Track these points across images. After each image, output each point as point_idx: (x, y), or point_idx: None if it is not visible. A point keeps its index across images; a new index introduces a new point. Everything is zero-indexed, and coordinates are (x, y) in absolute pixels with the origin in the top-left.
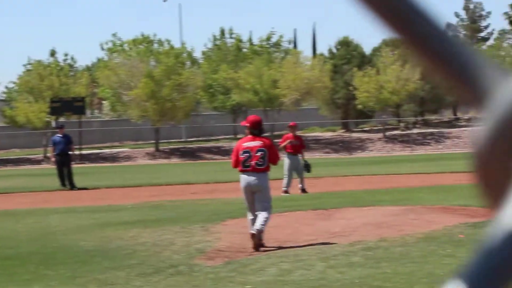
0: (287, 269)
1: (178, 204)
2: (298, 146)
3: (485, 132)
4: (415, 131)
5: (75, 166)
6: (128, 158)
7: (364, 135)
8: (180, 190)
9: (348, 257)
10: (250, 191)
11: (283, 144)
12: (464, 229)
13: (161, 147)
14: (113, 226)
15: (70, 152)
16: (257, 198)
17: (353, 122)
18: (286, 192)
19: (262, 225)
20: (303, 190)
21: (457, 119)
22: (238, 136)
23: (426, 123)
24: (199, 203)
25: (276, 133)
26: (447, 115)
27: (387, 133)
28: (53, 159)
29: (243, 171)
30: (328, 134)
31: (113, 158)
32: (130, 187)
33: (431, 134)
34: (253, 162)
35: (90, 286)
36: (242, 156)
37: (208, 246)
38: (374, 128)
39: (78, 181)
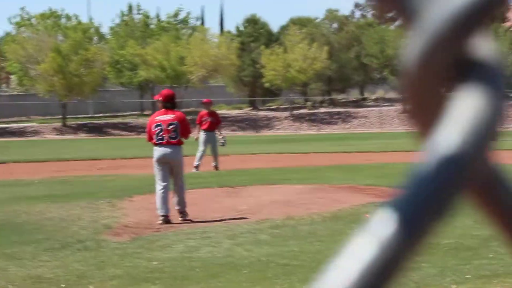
0: (194, 246)
1: (85, 179)
2: (214, 123)
3: (414, 52)
4: (322, 110)
5: None
6: (35, 133)
7: (271, 114)
8: (87, 165)
9: (255, 235)
10: (164, 162)
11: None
12: (371, 209)
13: (68, 123)
14: (21, 201)
15: None
16: (174, 173)
17: (260, 100)
18: (196, 168)
19: (183, 204)
20: (216, 168)
21: (364, 99)
22: (145, 113)
23: (333, 103)
24: (106, 178)
25: (183, 109)
26: (354, 95)
27: (294, 112)
28: None
29: (157, 144)
30: (235, 112)
31: (20, 132)
32: (37, 162)
33: (338, 113)
34: (166, 135)
35: None
36: (154, 130)
37: (115, 222)
38: (281, 106)
39: None
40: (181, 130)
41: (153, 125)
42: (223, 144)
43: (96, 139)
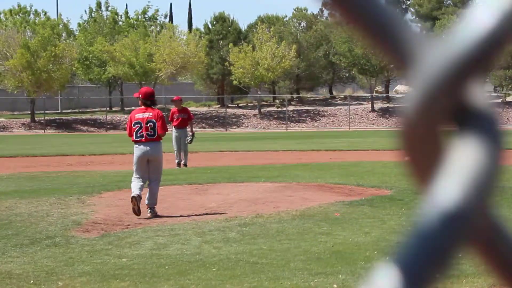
0: (163, 243)
1: (53, 175)
2: (186, 119)
3: (412, 100)
4: (290, 108)
5: None
6: (3, 128)
7: (239, 111)
8: (56, 161)
9: (224, 233)
10: (145, 160)
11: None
12: (340, 207)
13: (37, 118)
14: None
15: None
16: (150, 170)
17: (229, 98)
18: (178, 165)
19: (154, 200)
20: (185, 165)
21: (333, 97)
22: (114, 109)
23: (302, 101)
24: (74, 175)
25: None
26: (322, 93)
27: (263, 110)
28: None
29: (136, 142)
30: (203, 109)
31: None
32: (5, 157)
33: (307, 111)
34: (144, 133)
35: None
36: (134, 127)
37: (84, 218)
38: (250, 104)
39: None
40: (159, 127)
41: (133, 122)
42: (189, 141)
43: (64, 135)
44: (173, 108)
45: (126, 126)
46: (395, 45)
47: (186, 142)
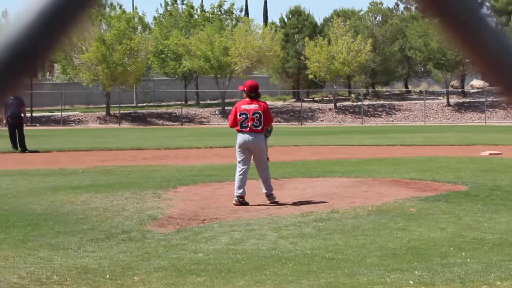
0: (239, 238)
1: (129, 169)
2: None
3: None
4: (366, 102)
5: (26, 128)
6: (79, 121)
7: (315, 105)
8: (131, 155)
9: (300, 228)
10: (246, 148)
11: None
12: (416, 203)
13: (112, 112)
14: (64, 190)
15: (22, 115)
16: (255, 159)
17: (304, 92)
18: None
19: (269, 189)
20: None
21: (408, 92)
22: (189, 103)
23: (377, 95)
24: (150, 169)
25: (227, 100)
26: (398, 87)
27: (338, 104)
28: (4, 121)
29: (240, 131)
30: (278, 103)
31: (64, 121)
32: (80, 151)
33: (382, 106)
34: (249, 123)
35: (42, 250)
36: (239, 118)
37: (160, 212)
38: (325, 98)
39: (29, 144)
40: (265, 119)
41: (239, 113)
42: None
43: (139, 129)
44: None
45: (229, 117)
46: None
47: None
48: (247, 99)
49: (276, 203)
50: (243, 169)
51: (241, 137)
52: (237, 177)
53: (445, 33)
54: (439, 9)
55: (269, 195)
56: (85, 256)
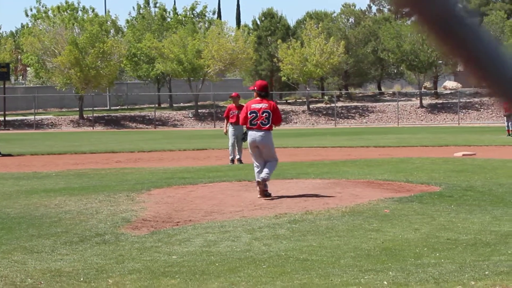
0: (213, 240)
1: (102, 172)
2: None
3: None
4: (339, 104)
5: None
6: (52, 125)
7: (288, 107)
8: (105, 158)
9: (274, 229)
10: (255, 146)
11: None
12: (389, 204)
13: (85, 115)
14: (38, 194)
15: None
16: (264, 155)
17: (277, 94)
18: (232, 161)
19: (267, 174)
20: (239, 161)
21: (381, 93)
22: (162, 106)
23: (350, 97)
24: (123, 172)
25: (200, 103)
26: (371, 89)
27: (311, 106)
28: None
29: (250, 128)
30: None
31: (37, 125)
32: (54, 154)
33: (355, 108)
34: (258, 121)
35: (15, 253)
36: (249, 116)
37: (133, 215)
38: (298, 100)
39: (2, 147)
40: (273, 118)
41: (249, 111)
42: (243, 139)
43: (113, 132)
44: (231, 104)
45: (240, 115)
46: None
47: (242, 139)
48: (258, 98)
49: (267, 194)
50: (259, 165)
51: (250, 135)
52: (256, 174)
53: (423, 32)
54: (416, 8)
55: (261, 183)
56: (59, 259)
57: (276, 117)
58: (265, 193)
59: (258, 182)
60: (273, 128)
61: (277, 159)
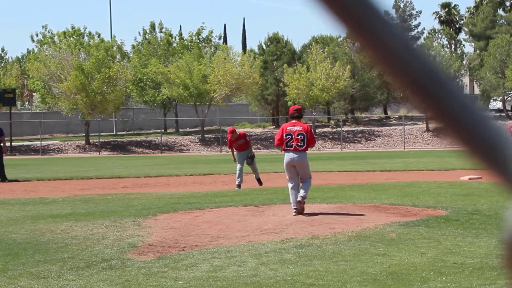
0: (219, 265)
1: (109, 198)
2: (244, 144)
3: None
4: (345, 128)
5: (5, 158)
6: (58, 150)
7: None
8: (111, 183)
9: (280, 254)
10: (292, 165)
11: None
12: (396, 228)
13: (91, 140)
14: (45, 219)
15: (1, 144)
16: (300, 173)
17: (283, 118)
18: (238, 186)
19: (304, 192)
20: (259, 180)
21: (387, 117)
22: (169, 131)
23: (356, 121)
24: (130, 197)
25: (206, 128)
26: (377, 113)
27: (318, 130)
28: None
29: (286, 150)
30: (258, 130)
31: (43, 150)
32: (60, 179)
33: (361, 132)
34: (294, 143)
35: (22, 279)
36: (285, 138)
37: (140, 240)
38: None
39: (8, 173)
40: (308, 140)
41: (284, 134)
42: (249, 163)
43: (119, 157)
44: (229, 138)
45: (276, 136)
46: (506, 168)
47: (247, 163)
48: (293, 121)
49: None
50: (293, 184)
51: (287, 156)
52: (290, 191)
53: (372, 60)
54: (365, 37)
55: (301, 201)
56: (66, 285)
57: (310, 139)
58: (303, 210)
59: (299, 201)
60: (308, 149)
61: (311, 177)
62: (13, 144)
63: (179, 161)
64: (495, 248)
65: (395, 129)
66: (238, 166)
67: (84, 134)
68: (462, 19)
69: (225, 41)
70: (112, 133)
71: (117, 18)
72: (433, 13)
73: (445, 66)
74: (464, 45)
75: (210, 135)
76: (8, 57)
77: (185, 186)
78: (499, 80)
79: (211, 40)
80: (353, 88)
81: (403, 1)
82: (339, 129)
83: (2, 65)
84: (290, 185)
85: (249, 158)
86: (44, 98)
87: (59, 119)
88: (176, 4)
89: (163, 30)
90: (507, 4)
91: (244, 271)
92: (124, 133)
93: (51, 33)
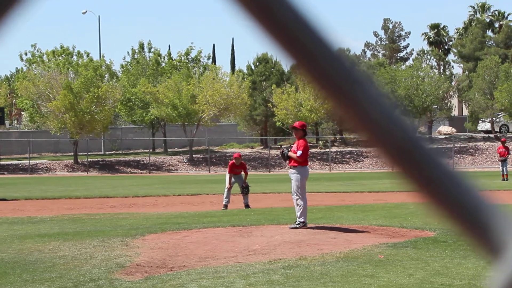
0: (207, 285)
1: (97, 217)
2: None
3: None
4: (333, 149)
5: None
6: (47, 169)
7: None
8: (99, 203)
9: (268, 275)
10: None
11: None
12: (384, 249)
13: (80, 160)
14: (32, 239)
15: None
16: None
17: (272, 139)
18: (225, 207)
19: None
20: (247, 206)
21: None
22: (157, 151)
23: (345, 142)
24: (118, 217)
25: (194, 148)
26: None
27: None
28: None
29: (306, 165)
30: (246, 151)
31: (32, 169)
32: (48, 199)
33: (350, 152)
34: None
35: None
36: (309, 154)
37: (128, 260)
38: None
39: None
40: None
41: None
42: (245, 192)
43: (107, 177)
44: (232, 161)
45: (305, 155)
46: (485, 232)
47: (243, 192)
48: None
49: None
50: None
51: (308, 170)
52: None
53: (318, 92)
54: (309, 70)
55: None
56: None
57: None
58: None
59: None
60: None
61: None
62: (1, 162)
63: (167, 181)
64: (483, 269)
65: None
66: (227, 185)
67: (72, 154)
68: (451, 40)
69: (213, 61)
70: (100, 153)
71: (106, 38)
72: (422, 34)
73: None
74: (453, 66)
75: (198, 155)
76: None
77: (173, 206)
78: (488, 101)
79: (200, 60)
80: None
81: (392, 22)
82: (327, 149)
83: None
84: (306, 200)
85: (245, 188)
86: (32, 117)
87: (48, 138)
88: (165, 24)
89: (152, 49)
90: (496, 25)
91: None
92: (112, 152)
93: (40, 52)
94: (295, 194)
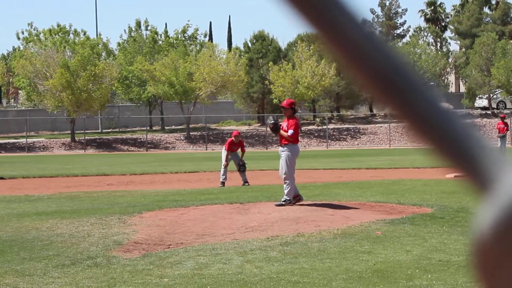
0: (205, 263)
1: (94, 195)
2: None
3: (488, 222)
4: (331, 126)
5: None
6: (44, 148)
7: None
8: (96, 181)
9: (266, 252)
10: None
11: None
12: (381, 226)
13: (77, 138)
14: (30, 217)
15: None
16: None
17: (269, 116)
18: (223, 183)
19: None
20: (246, 182)
21: (373, 115)
22: (154, 128)
23: (342, 119)
24: (115, 194)
25: (191, 125)
26: (362, 111)
27: (303, 128)
28: None
29: (297, 143)
30: (243, 128)
31: (29, 148)
32: (46, 177)
33: (347, 130)
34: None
35: (7, 276)
36: (299, 132)
37: (125, 238)
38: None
39: None
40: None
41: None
42: (242, 170)
43: (105, 155)
44: (230, 138)
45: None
46: (474, 166)
47: (240, 170)
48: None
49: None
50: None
51: (299, 148)
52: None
53: (334, 56)
54: (325, 28)
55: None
56: (51, 282)
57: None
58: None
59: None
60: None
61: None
62: None
63: (164, 158)
64: None
65: (381, 126)
66: (224, 163)
67: (69, 132)
68: (448, 17)
69: (210, 39)
70: (97, 131)
71: (103, 16)
72: (419, 11)
73: (430, 64)
74: (449, 43)
75: (195, 133)
76: None
77: (170, 183)
78: (485, 78)
79: (196, 38)
80: (339, 86)
81: None
82: (324, 127)
83: None
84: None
85: (242, 165)
86: (29, 95)
87: (45, 116)
88: (161, 1)
89: (149, 27)
90: (493, 2)
91: (229, 268)
92: (109, 130)
93: (37, 30)
94: (284, 171)
